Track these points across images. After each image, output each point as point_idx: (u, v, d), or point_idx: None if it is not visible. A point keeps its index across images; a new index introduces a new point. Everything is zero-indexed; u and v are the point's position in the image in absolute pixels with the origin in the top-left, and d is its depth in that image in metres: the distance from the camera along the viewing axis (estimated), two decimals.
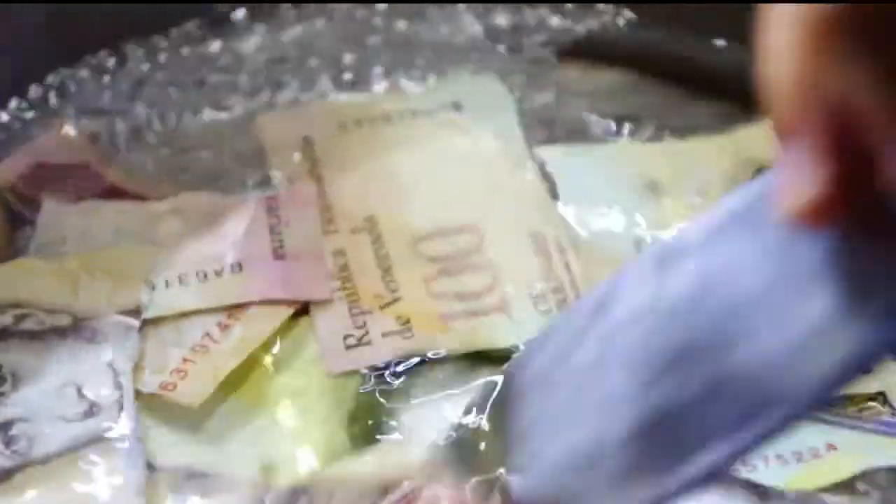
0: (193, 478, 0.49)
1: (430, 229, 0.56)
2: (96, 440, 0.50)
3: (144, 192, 0.57)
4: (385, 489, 0.48)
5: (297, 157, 0.59)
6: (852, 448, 0.49)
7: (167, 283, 0.53)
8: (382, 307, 0.53)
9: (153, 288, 0.53)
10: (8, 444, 0.50)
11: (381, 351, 0.52)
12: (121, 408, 0.50)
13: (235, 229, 0.55)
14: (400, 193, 0.57)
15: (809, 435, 0.49)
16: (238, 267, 0.54)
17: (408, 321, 0.53)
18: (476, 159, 0.58)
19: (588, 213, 0.56)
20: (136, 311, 0.53)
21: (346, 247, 0.55)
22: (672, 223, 0.56)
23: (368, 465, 0.49)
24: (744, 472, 0.47)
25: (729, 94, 0.59)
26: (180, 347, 0.52)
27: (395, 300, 0.53)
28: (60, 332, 0.53)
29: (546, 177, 0.58)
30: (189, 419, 0.50)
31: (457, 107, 0.60)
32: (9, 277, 0.54)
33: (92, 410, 0.51)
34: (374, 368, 0.51)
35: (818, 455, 0.49)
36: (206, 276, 0.53)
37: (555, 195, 0.57)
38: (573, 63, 0.62)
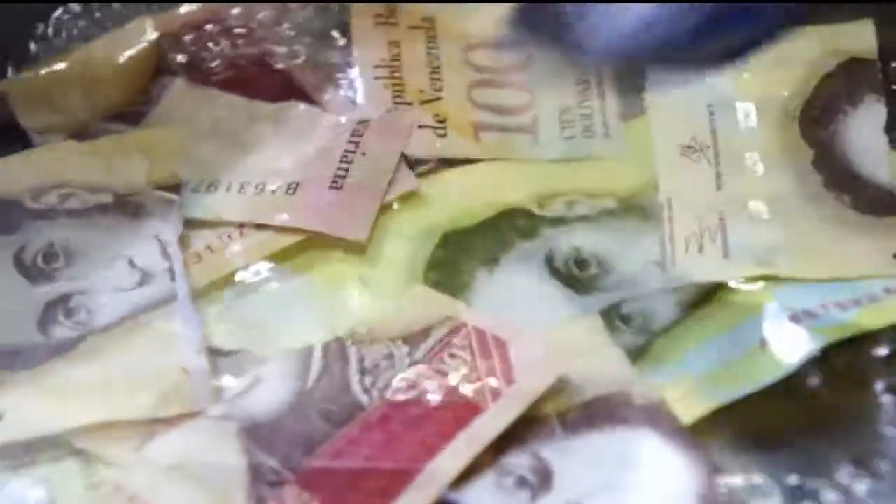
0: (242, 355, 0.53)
1: (484, 39, 0.60)
2: (153, 306, 0.54)
3: (311, 89, 0.61)
4: (427, 329, 0.53)
5: None
6: None
7: (228, 188, 0.58)
8: (423, 102, 0.59)
9: (214, 188, 0.58)
10: (69, 316, 0.54)
11: (415, 140, 0.58)
12: (172, 275, 0.55)
13: (312, 147, 0.58)
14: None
15: (867, 283, 0.54)
16: (294, 188, 0.57)
17: (444, 120, 0.58)
18: None
19: (666, 76, 0.58)
20: (174, 187, 0.57)
21: (402, 40, 0.60)
22: (750, 95, 0.60)
23: (406, 310, 0.54)
24: (805, 320, 0.52)
25: None
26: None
27: (437, 98, 0.59)
28: (104, 209, 0.57)
29: None
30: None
31: None
32: (47, 159, 0.58)
33: (145, 279, 0.55)
34: None
35: (876, 299, 0.53)
36: (263, 188, 0.57)
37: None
38: None
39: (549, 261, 0.56)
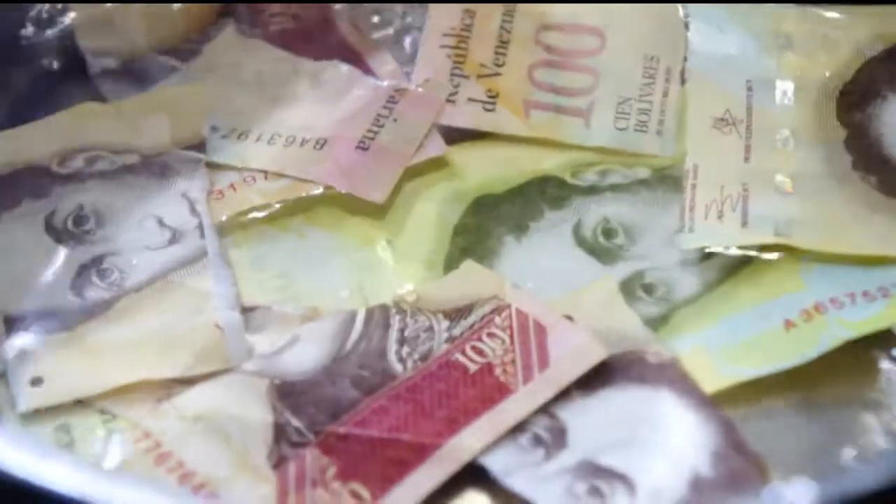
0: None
1: (561, 21, 0.62)
2: (183, 264, 0.56)
3: (364, 51, 0.63)
4: (471, 305, 0.54)
5: None
6: None
7: (258, 138, 0.59)
8: (480, 77, 0.60)
9: (244, 136, 0.59)
10: (102, 276, 0.55)
11: (461, 113, 0.60)
12: (201, 232, 0.56)
13: (347, 107, 0.60)
14: None
15: (894, 272, 0.55)
16: (321, 143, 0.59)
17: (496, 95, 0.60)
18: None
19: (710, 54, 0.61)
20: (199, 146, 0.59)
21: (479, 10, 0.62)
22: (791, 73, 0.61)
23: (454, 283, 0.55)
24: (832, 309, 0.53)
25: None
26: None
27: (495, 74, 0.61)
28: (131, 170, 0.58)
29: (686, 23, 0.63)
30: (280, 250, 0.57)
31: None
32: (72, 123, 0.60)
33: (175, 237, 0.56)
34: None
35: None
36: (292, 141, 0.59)
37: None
38: None
39: (577, 230, 0.57)
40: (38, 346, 0.53)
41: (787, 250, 0.55)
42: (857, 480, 0.46)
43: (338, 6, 0.64)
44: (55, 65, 0.63)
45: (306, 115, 0.59)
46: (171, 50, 0.62)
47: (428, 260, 0.56)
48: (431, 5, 0.62)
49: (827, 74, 0.60)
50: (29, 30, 0.64)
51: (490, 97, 0.60)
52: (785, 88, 0.60)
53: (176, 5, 0.63)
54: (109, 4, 0.63)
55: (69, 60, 0.63)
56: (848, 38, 0.61)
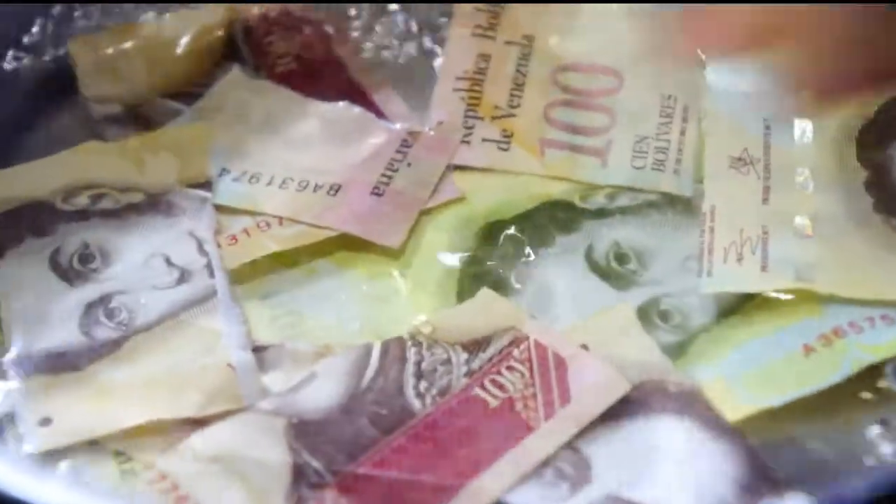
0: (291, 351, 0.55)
1: (578, 62, 0.63)
2: (193, 304, 0.56)
3: (372, 90, 0.63)
4: (489, 337, 0.54)
5: None
6: None
7: (270, 181, 0.59)
8: (494, 118, 0.61)
9: (255, 180, 0.59)
10: (110, 316, 0.56)
11: (475, 153, 0.60)
12: (210, 271, 0.56)
13: (360, 151, 0.60)
14: (569, 22, 0.64)
15: None
16: (336, 189, 0.59)
17: (510, 135, 0.61)
18: (654, 16, 0.63)
19: (727, 93, 0.61)
20: (205, 185, 0.59)
21: (494, 54, 0.63)
22: (809, 113, 0.61)
23: (470, 313, 0.55)
24: (851, 333, 0.54)
25: None
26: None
27: (509, 115, 0.61)
28: (137, 208, 0.58)
29: None
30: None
31: None
32: (76, 160, 0.60)
33: (183, 277, 0.56)
34: None
35: None
36: (305, 186, 0.59)
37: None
38: None
39: (589, 254, 0.57)
40: (47, 386, 0.53)
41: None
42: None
43: (345, 47, 0.64)
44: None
45: (318, 158, 0.60)
46: (176, 95, 0.63)
47: (439, 289, 0.56)
48: (447, 49, 0.63)
49: (846, 113, 0.60)
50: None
51: (505, 137, 0.60)
52: (803, 127, 0.60)
53: (179, 50, 0.63)
54: (112, 51, 0.63)
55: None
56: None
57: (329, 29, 0.65)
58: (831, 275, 0.55)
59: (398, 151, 0.60)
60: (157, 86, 0.63)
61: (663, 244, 0.57)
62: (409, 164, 0.59)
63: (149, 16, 0.65)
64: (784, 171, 0.59)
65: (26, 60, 0.65)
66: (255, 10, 0.65)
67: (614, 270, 0.56)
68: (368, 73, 0.63)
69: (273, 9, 0.65)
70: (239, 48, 0.64)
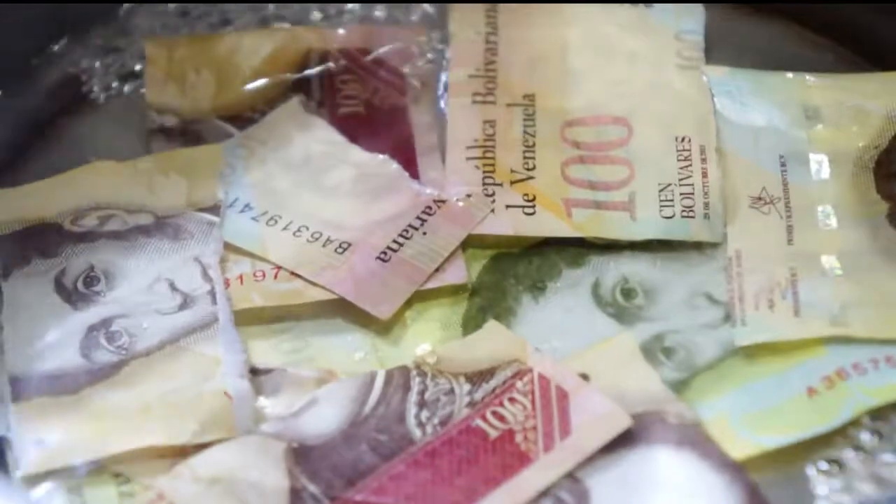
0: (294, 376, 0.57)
1: (583, 115, 0.64)
2: (194, 330, 0.57)
3: (421, 152, 0.63)
4: (493, 369, 0.55)
5: (480, 20, 0.66)
6: None
7: (286, 226, 0.60)
8: (514, 182, 0.62)
9: (274, 222, 0.60)
10: (111, 340, 0.57)
11: (501, 220, 0.61)
12: (213, 298, 0.58)
13: (383, 210, 0.61)
14: (565, 76, 0.65)
15: None
16: (345, 247, 0.60)
17: (533, 199, 0.62)
18: (647, 55, 0.66)
19: (738, 129, 0.63)
20: (214, 208, 0.61)
21: (498, 119, 0.64)
22: (823, 147, 0.62)
23: (476, 345, 0.57)
24: (854, 375, 0.55)
25: None
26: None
27: (528, 178, 0.62)
28: (144, 231, 0.60)
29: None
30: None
31: (647, 2, 0.68)
32: (86, 180, 0.62)
33: (186, 302, 0.58)
34: None
35: None
36: (318, 238, 0.60)
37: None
38: None
39: (596, 289, 0.59)
40: (44, 408, 0.55)
41: None
42: None
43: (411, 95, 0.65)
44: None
45: (339, 210, 0.61)
46: (234, 117, 0.64)
47: (445, 320, 0.58)
48: (450, 121, 0.63)
49: (861, 145, 0.62)
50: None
51: (528, 201, 0.61)
52: (819, 161, 0.61)
53: (250, 73, 0.64)
54: (186, 61, 0.64)
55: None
56: (877, 106, 0.62)
57: (409, 78, 0.65)
58: (866, 316, 0.57)
59: (418, 218, 0.61)
60: (220, 105, 0.64)
61: (671, 280, 0.59)
62: (424, 234, 0.60)
63: (229, 31, 0.66)
64: (805, 209, 0.60)
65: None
66: (337, 42, 0.65)
67: (620, 305, 0.58)
68: (426, 133, 0.64)
69: (355, 46, 0.65)
70: (311, 80, 0.65)
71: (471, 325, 0.58)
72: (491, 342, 0.56)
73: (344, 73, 0.65)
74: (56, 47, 0.66)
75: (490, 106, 0.64)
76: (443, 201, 0.61)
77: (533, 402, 0.54)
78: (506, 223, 0.61)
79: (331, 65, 0.65)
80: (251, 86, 0.65)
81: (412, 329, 0.58)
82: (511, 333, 0.57)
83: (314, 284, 0.59)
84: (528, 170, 0.62)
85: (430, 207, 0.61)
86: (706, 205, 0.60)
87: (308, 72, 0.65)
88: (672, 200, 0.61)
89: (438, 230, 0.60)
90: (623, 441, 0.53)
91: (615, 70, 0.65)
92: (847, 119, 0.62)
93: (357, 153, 0.63)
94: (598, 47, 0.65)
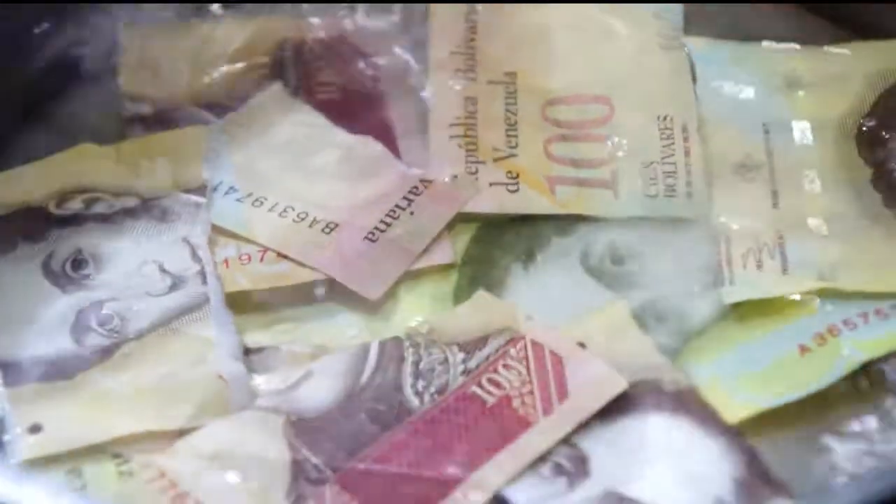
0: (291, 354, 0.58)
1: (565, 94, 0.66)
2: (185, 311, 0.58)
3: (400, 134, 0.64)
4: (485, 337, 0.57)
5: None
6: None
7: (272, 207, 0.61)
8: (496, 160, 0.63)
9: (259, 203, 0.60)
10: (102, 324, 0.58)
11: (484, 198, 0.62)
12: (203, 278, 0.59)
13: (369, 191, 0.62)
14: (546, 55, 0.66)
15: None
16: (332, 227, 0.61)
17: (517, 176, 0.63)
18: (627, 34, 0.67)
19: (721, 98, 0.64)
20: (200, 189, 0.62)
21: (480, 96, 0.65)
22: (806, 113, 0.63)
23: (467, 315, 0.58)
24: (845, 331, 0.57)
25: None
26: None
27: (511, 156, 0.64)
28: (131, 213, 0.61)
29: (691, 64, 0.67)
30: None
31: None
32: (71, 164, 0.62)
33: (176, 284, 0.59)
34: None
35: None
36: (304, 218, 0.61)
37: (693, 78, 0.66)
38: None
39: (585, 257, 0.61)
40: (38, 394, 0.56)
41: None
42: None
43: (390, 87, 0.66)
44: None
45: (326, 192, 0.62)
46: (210, 105, 0.65)
47: (435, 294, 0.59)
48: (432, 98, 0.64)
49: (842, 111, 0.63)
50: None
51: (511, 178, 0.62)
52: (802, 129, 0.63)
53: (225, 61, 0.65)
54: (160, 49, 0.65)
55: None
56: (857, 73, 0.64)
57: (381, 61, 0.66)
58: (854, 272, 0.59)
59: (405, 198, 0.62)
60: (195, 93, 0.65)
61: (660, 247, 0.60)
62: (411, 213, 0.61)
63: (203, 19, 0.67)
64: (790, 175, 0.62)
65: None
66: (312, 31, 0.66)
67: (611, 272, 0.60)
68: (405, 118, 0.65)
69: (331, 34, 0.66)
70: (286, 67, 0.66)
71: (462, 297, 0.59)
72: (482, 312, 0.58)
73: (319, 60, 0.66)
74: (44, 30, 0.66)
75: (471, 83, 0.65)
76: (429, 181, 0.62)
77: (528, 367, 0.55)
78: (490, 201, 0.62)
79: (306, 52, 0.66)
80: (226, 73, 0.65)
81: (403, 304, 0.59)
82: (501, 302, 0.58)
83: (302, 266, 0.60)
84: (510, 147, 0.63)
85: (416, 188, 0.62)
86: (688, 183, 0.62)
87: (283, 59, 0.66)
88: (655, 179, 0.62)
89: (425, 210, 0.61)
90: (620, 408, 0.54)
91: (596, 49, 0.66)
92: (828, 86, 0.64)
93: (341, 135, 0.64)
94: (578, 27, 0.66)
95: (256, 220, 0.61)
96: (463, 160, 0.63)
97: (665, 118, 0.63)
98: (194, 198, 0.61)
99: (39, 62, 0.66)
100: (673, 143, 0.63)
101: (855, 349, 0.56)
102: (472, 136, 0.63)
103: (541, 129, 0.64)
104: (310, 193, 0.62)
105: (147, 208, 0.61)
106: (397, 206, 0.61)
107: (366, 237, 0.60)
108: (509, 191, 0.62)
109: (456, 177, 0.62)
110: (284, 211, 0.61)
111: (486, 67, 0.65)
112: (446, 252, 0.61)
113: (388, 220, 0.61)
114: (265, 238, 0.60)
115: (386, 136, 0.64)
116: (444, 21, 0.66)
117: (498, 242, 0.61)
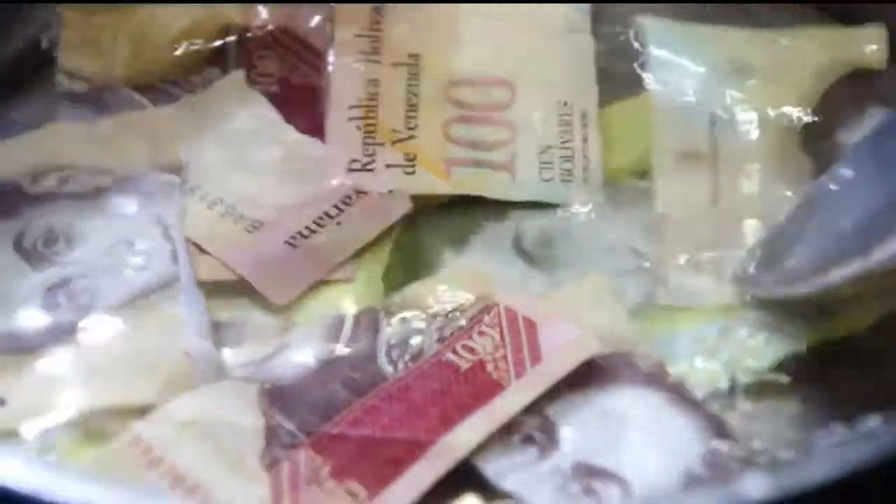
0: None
1: (468, 75, 0.66)
2: (155, 289, 0.59)
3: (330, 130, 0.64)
4: (460, 306, 0.58)
5: None
6: None
7: (203, 197, 0.61)
8: (394, 142, 0.64)
9: (192, 192, 0.61)
10: (71, 299, 0.59)
11: (380, 179, 0.62)
12: (174, 257, 0.60)
13: (302, 194, 0.62)
14: (452, 37, 0.67)
15: None
16: (256, 226, 0.61)
17: (414, 158, 0.64)
18: (534, 19, 0.68)
19: (669, 85, 0.64)
20: (175, 169, 0.62)
21: (382, 78, 0.65)
22: (753, 104, 0.64)
23: (441, 285, 0.59)
24: None
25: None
26: None
27: (410, 138, 0.64)
28: (104, 192, 0.62)
29: (641, 43, 0.67)
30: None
31: None
32: (45, 142, 0.63)
33: (147, 262, 0.60)
34: None
35: None
36: (232, 212, 0.61)
37: (643, 64, 0.66)
38: None
39: (518, 242, 0.62)
40: (2, 367, 0.56)
41: None
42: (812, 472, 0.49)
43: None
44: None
45: (260, 189, 0.62)
46: (146, 88, 0.65)
47: (367, 278, 0.60)
48: (334, 80, 0.65)
49: (789, 103, 0.63)
50: None
51: (409, 161, 0.63)
52: (749, 120, 0.63)
53: (165, 44, 0.64)
54: (102, 26, 0.65)
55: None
56: (806, 63, 0.65)
57: (330, 56, 0.66)
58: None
59: (335, 207, 0.61)
60: (132, 75, 0.65)
61: (593, 228, 0.60)
62: (338, 223, 0.61)
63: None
64: (732, 168, 0.62)
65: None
66: (258, 21, 0.66)
67: (542, 255, 0.60)
68: (340, 114, 0.64)
69: (277, 24, 0.66)
70: (227, 54, 0.66)
71: (392, 282, 0.59)
72: (456, 281, 0.59)
73: (262, 49, 0.66)
74: (19, 12, 0.67)
75: (375, 65, 0.65)
76: (364, 193, 0.62)
77: (501, 333, 0.56)
78: (385, 181, 0.62)
79: (249, 40, 0.66)
80: (166, 57, 0.65)
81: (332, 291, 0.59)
82: (475, 271, 0.59)
83: (220, 263, 0.59)
84: (409, 129, 0.63)
85: (349, 198, 0.62)
86: (585, 168, 0.63)
87: (225, 45, 0.65)
88: (551, 163, 0.63)
89: (353, 222, 0.61)
90: (592, 381, 0.55)
91: (502, 32, 0.66)
92: (777, 76, 0.64)
93: (291, 133, 0.64)
94: (486, 11, 0.67)
95: (186, 207, 0.61)
96: (360, 142, 0.63)
97: (566, 104, 0.64)
98: (169, 177, 0.61)
99: (17, 41, 0.67)
100: (571, 130, 0.64)
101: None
102: (373, 118, 0.64)
103: (442, 109, 0.64)
104: (243, 189, 0.62)
105: (121, 187, 0.61)
106: (326, 213, 0.61)
107: (287, 241, 0.60)
108: (406, 173, 0.62)
109: (392, 192, 0.62)
110: (213, 203, 0.61)
111: (391, 50, 0.66)
112: (346, 269, 0.60)
113: (314, 226, 0.61)
114: (190, 229, 0.60)
115: (318, 134, 0.63)
116: (351, 5, 0.66)
117: (429, 227, 0.61)
